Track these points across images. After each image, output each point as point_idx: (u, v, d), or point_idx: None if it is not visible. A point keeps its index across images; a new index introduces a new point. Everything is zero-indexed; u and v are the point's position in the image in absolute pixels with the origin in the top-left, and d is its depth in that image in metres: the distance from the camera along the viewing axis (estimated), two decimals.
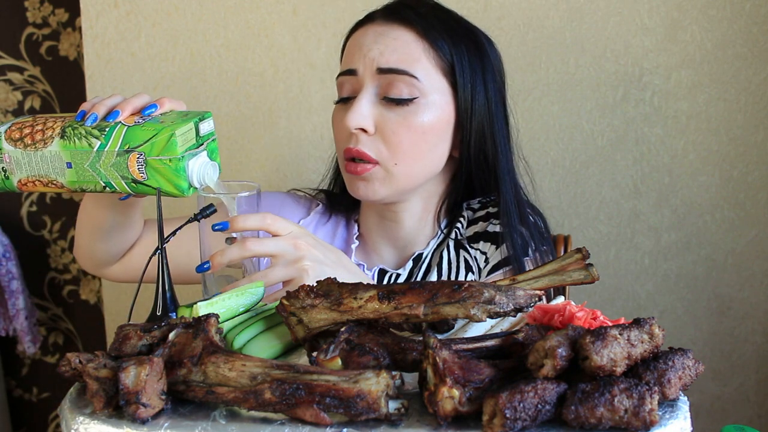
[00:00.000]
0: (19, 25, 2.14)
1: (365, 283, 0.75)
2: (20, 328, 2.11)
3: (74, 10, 2.07)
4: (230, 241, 1.00)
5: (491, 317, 0.69)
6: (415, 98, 1.12)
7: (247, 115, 1.80)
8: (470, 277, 1.18)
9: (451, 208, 1.23)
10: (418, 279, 1.20)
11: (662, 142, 1.65)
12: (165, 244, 0.91)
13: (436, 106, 1.14)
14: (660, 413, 0.62)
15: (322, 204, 1.30)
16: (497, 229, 1.18)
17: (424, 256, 1.21)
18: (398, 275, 1.21)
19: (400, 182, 1.15)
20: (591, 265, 0.86)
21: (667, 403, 0.65)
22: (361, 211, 1.28)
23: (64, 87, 2.16)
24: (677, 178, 1.66)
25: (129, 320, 0.85)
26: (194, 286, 1.87)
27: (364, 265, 1.23)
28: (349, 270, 1.01)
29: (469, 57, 1.16)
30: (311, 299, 0.73)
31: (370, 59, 1.13)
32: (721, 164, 1.64)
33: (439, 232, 1.22)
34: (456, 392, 0.62)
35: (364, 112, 1.12)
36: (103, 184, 0.96)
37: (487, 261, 1.17)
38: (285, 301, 0.75)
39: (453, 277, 1.18)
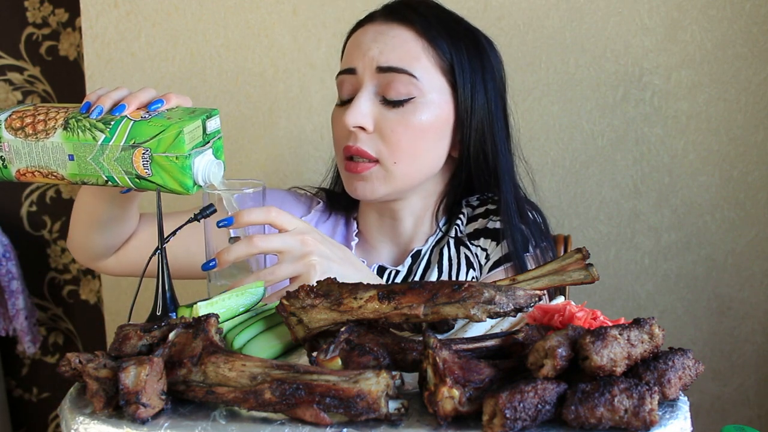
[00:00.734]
0: (19, 25, 2.14)
1: (366, 282, 0.74)
2: (20, 328, 2.11)
3: (74, 10, 2.07)
4: (233, 241, 0.99)
5: (491, 317, 0.69)
6: (413, 97, 1.12)
7: (247, 115, 1.80)
8: (471, 273, 1.18)
9: (450, 206, 1.24)
10: (417, 276, 1.20)
11: (662, 142, 1.65)
12: (165, 244, 0.90)
13: (435, 105, 1.14)
14: (660, 413, 0.62)
15: (323, 202, 1.30)
16: (497, 225, 1.18)
17: (422, 252, 1.21)
18: (397, 272, 1.21)
19: (398, 181, 1.15)
20: (591, 265, 0.86)
21: (667, 403, 0.65)
22: (360, 209, 1.28)
23: (64, 87, 2.16)
24: (677, 178, 1.66)
25: (129, 320, 0.85)
26: (194, 287, 1.88)
27: (364, 262, 1.23)
28: (355, 266, 1.01)
29: (468, 57, 1.16)
30: (311, 299, 0.73)
31: (370, 58, 1.13)
32: (721, 164, 1.64)
33: (438, 230, 1.22)
34: (456, 392, 0.62)
35: (363, 110, 1.13)
36: (105, 178, 0.95)
37: (487, 258, 1.18)
38: (285, 301, 0.75)
39: (454, 274, 1.18)
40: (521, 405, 0.60)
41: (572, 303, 0.75)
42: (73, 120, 0.94)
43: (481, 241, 1.19)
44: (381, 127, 1.13)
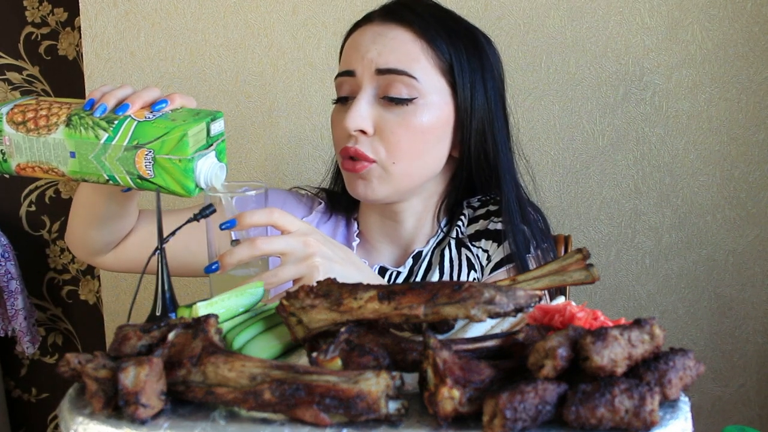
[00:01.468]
0: (18, 24, 2.14)
1: (367, 282, 0.74)
2: (19, 329, 2.10)
3: (73, 10, 2.07)
4: (234, 243, 0.99)
5: (491, 317, 0.69)
6: (413, 99, 1.12)
7: (246, 115, 1.80)
8: (472, 275, 1.18)
9: (451, 207, 1.23)
10: (419, 277, 1.20)
11: (663, 141, 1.65)
12: (164, 244, 0.90)
13: (435, 106, 1.14)
14: (661, 414, 0.62)
15: (324, 203, 1.30)
16: (498, 226, 1.18)
17: (424, 253, 1.21)
18: (398, 273, 1.21)
19: (398, 181, 1.14)
20: (591, 265, 0.85)
21: (668, 403, 0.64)
22: (360, 210, 1.28)
23: (63, 86, 2.16)
24: (678, 177, 1.66)
25: (128, 320, 0.85)
26: (194, 287, 1.88)
27: (365, 263, 1.23)
28: (357, 267, 1.00)
29: (467, 56, 1.16)
30: (311, 299, 0.73)
31: (369, 60, 1.13)
32: (722, 164, 1.64)
33: (439, 230, 1.22)
34: (456, 393, 0.61)
35: (363, 113, 1.12)
36: (107, 177, 0.94)
37: (489, 259, 1.17)
38: (285, 302, 0.75)
39: (455, 276, 1.18)
40: (521, 405, 0.59)
41: (573, 303, 0.74)
42: (76, 117, 0.94)
43: (482, 243, 1.18)
44: (381, 129, 1.12)
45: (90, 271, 2.24)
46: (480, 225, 1.20)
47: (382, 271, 1.22)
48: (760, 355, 1.69)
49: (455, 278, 1.18)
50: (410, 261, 1.21)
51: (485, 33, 1.22)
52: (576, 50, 1.64)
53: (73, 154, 0.93)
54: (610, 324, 0.69)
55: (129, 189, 0.98)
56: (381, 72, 1.12)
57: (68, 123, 0.93)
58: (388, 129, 1.12)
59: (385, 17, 1.16)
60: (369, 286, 0.72)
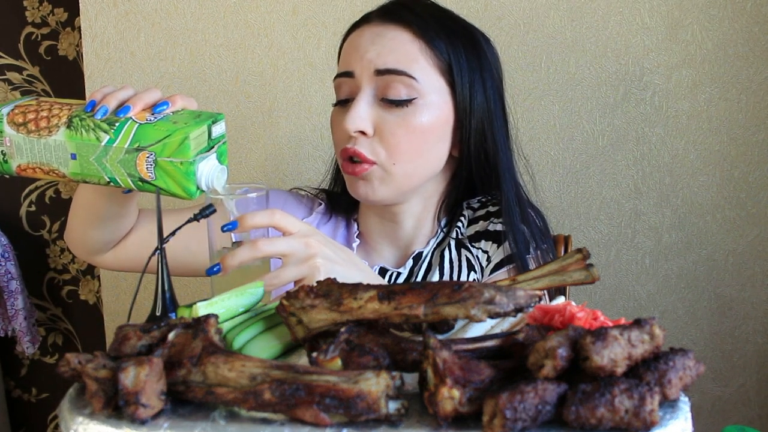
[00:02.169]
0: (18, 24, 2.14)
1: (367, 282, 0.74)
2: (19, 329, 2.10)
3: (73, 10, 2.07)
4: (236, 245, 0.99)
5: (491, 317, 0.69)
6: (413, 99, 1.12)
7: (246, 115, 1.80)
8: (473, 276, 1.17)
9: (451, 207, 1.23)
10: (419, 277, 1.20)
11: (663, 141, 1.65)
12: (164, 244, 0.90)
13: (434, 106, 1.14)
14: (661, 414, 0.62)
15: (324, 203, 1.30)
16: (498, 227, 1.18)
17: (424, 254, 1.21)
18: (398, 274, 1.21)
19: (399, 182, 1.14)
20: (591, 265, 0.85)
21: (668, 403, 0.64)
22: (360, 210, 1.28)
23: (63, 86, 2.16)
24: (678, 178, 1.66)
25: (128, 320, 0.85)
26: (194, 287, 1.87)
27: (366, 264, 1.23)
28: (358, 268, 1.00)
29: (466, 56, 1.16)
30: (311, 299, 0.73)
31: (368, 61, 1.13)
32: (722, 164, 1.64)
33: (439, 231, 1.22)
34: (456, 393, 0.61)
35: (363, 114, 1.12)
36: (108, 179, 0.94)
37: (489, 260, 1.17)
38: (285, 302, 0.75)
39: (455, 277, 1.18)
40: (521, 405, 0.59)
41: (573, 303, 0.74)
42: (77, 119, 0.93)
43: (482, 243, 1.18)
44: (381, 129, 1.12)
45: (90, 271, 2.24)
46: (480, 226, 1.20)
47: (383, 271, 1.22)
48: (760, 355, 1.69)
49: (455, 279, 1.18)
50: (410, 262, 1.21)
51: (484, 32, 1.22)
52: (576, 50, 1.64)
53: (74, 156, 0.93)
54: (610, 324, 0.69)
55: (130, 191, 0.98)
56: (380, 73, 1.12)
57: (69, 125, 0.93)
58: (387, 130, 1.12)
59: (384, 18, 1.16)
60: (369, 286, 0.72)
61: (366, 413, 0.62)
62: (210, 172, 0.93)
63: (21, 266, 2.13)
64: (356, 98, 1.13)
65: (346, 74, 1.15)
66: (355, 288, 0.72)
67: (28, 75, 2.16)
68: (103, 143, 0.92)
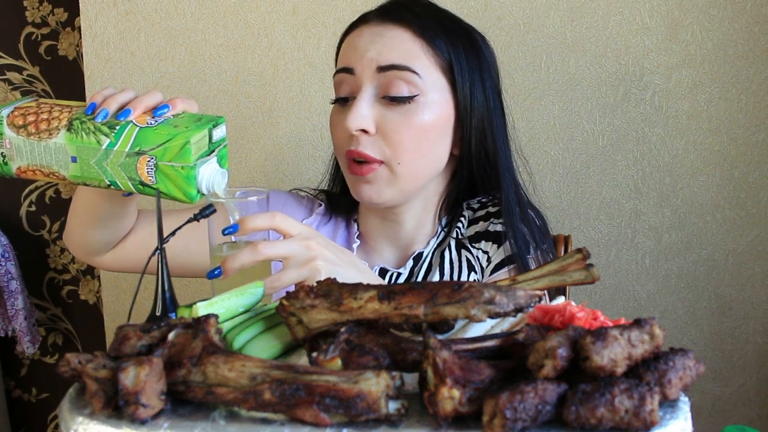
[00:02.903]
0: (18, 24, 2.14)
1: (367, 283, 0.74)
2: (19, 329, 2.10)
3: (73, 10, 2.07)
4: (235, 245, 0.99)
5: (491, 317, 0.69)
6: (414, 96, 1.12)
7: (246, 115, 1.80)
8: (473, 276, 1.17)
9: (451, 206, 1.23)
10: (419, 278, 1.20)
11: (663, 141, 1.65)
12: (164, 244, 0.90)
13: (435, 104, 1.13)
14: (660, 414, 0.62)
15: (324, 204, 1.30)
16: (498, 228, 1.18)
17: (424, 255, 1.21)
18: (399, 274, 1.21)
19: (403, 182, 1.14)
20: (591, 265, 0.85)
21: (668, 403, 0.64)
22: (360, 211, 1.28)
23: (63, 86, 2.16)
24: (678, 178, 1.66)
25: (128, 320, 0.85)
26: (194, 287, 1.87)
27: (366, 265, 1.23)
28: (360, 270, 1.00)
29: (466, 55, 1.16)
30: (311, 299, 0.73)
31: (368, 59, 1.12)
32: (721, 164, 1.64)
33: (440, 230, 1.22)
34: (456, 393, 0.61)
35: (364, 112, 1.12)
36: (108, 182, 0.94)
37: (489, 260, 1.17)
38: (285, 302, 0.75)
39: (456, 277, 1.18)
40: (521, 405, 0.59)
41: (572, 303, 0.74)
42: (78, 122, 0.93)
43: (482, 244, 1.18)
44: (383, 128, 1.12)
45: (90, 271, 2.24)
46: (480, 227, 1.20)
47: (383, 272, 1.22)
48: (760, 355, 1.69)
49: (455, 280, 1.18)
50: (410, 262, 1.21)
51: (480, 31, 1.22)
52: (576, 50, 1.64)
53: (74, 159, 0.93)
54: (610, 324, 0.69)
55: (130, 193, 0.98)
56: (382, 69, 1.12)
57: (69, 127, 0.93)
58: (390, 128, 1.12)
59: (383, 17, 1.16)
60: (369, 286, 0.72)
61: (366, 413, 0.62)
62: (211, 176, 0.93)
63: (21, 266, 2.13)
64: (357, 96, 1.13)
65: (345, 70, 1.15)
66: (355, 288, 0.72)
67: (28, 75, 2.16)
68: (103, 147, 0.92)
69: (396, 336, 0.72)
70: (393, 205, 1.18)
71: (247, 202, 0.98)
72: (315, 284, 0.75)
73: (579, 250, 0.86)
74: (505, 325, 0.81)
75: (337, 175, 1.30)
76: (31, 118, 0.95)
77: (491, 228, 1.19)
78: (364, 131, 1.12)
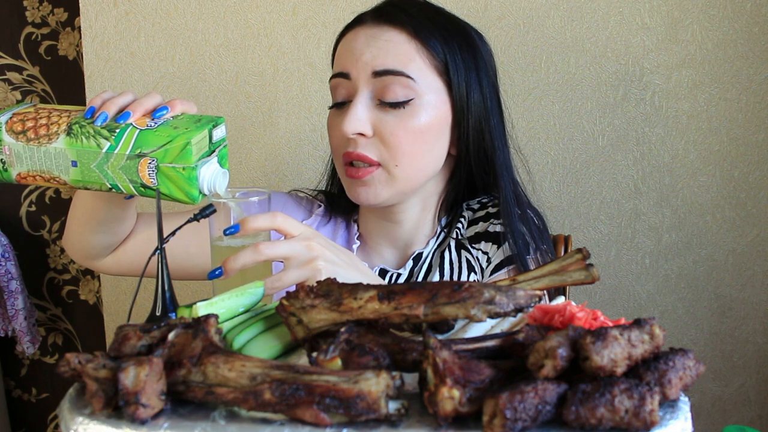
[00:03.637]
0: (18, 24, 2.14)
1: (367, 283, 0.74)
2: (19, 329, 2.10)
3: (73, 10, 2.07)
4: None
5: (491, 317, 0.69)
6: (411, 99, 1.12)
7: (246, 115, 1.80)
8: (473, 277, 1.17)
9: (451, 206, 1.23)
10: (419, 278, 1.20)
11: (663, 141, 1.65)
12: (164, 245, 0.90)
13: (432, 106, 1.13)
14: (661, 414, 0.62)
15: (323, 205, 1.30)
16: (498, 228, 1.18)
17: (424, 255, 1.21)
18: (399, 275, 1.21)
19: (401, 184, 1.14)
20: (591, 265, 0.85)
21: (668, 403, 0.64)
22: (359, 212, 1.28)
23: (63, 86, 2.16)
24: (678, 178, 1.66)
25: (128, 320, 0.85)
26: (194, 287, 1.87)
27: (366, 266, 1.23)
28: (360, 270, 1.00)
29: (462, 54, 1.15)
30: (311, 299, 0.73)
31: (364, 63, 1.12)
32: (722, 164, 1.64)
33: (439, 231, 1.22)
34: (456, 393, 0.61)
35: (361, 116, 1.12)
36: (109, 186, 0.93)
37: (489, 261, 1.17)
38: (285, 302, 0.75)
39: (455, 278, 1.18)
40: (521, 405, 0.59)
41: (572, 303, 0.74)
42: (77, 126, 0.93)
43: (482, 245, 1.18)
44: (380, 131, 1.12)
45: (90, 271, 2.24)
46: (479, 227, 1.20)
47: (383, 272, 1.22)
48: (760, 355, 1.69)
49: (455, 280, 1.18)
50: (410, 263, 1.21)
51: (477, 29, 1.22)
52: (576, 50, 1.64)
53: (74, 163, 0.93)
54: (610, 324, 0.69)
55: (131, 196, 0.98)
56: (377, 74, 1.12)
57: (69, 132, 0.93)
58: (387, 131, 1.12)
59: (378, 19, 1.15)
60: (369, 286, 0.72)
61: (366, 413, 0.62)
62: (212, 176, 0.93)
63: (21, 266, 2.13)
64: (354, 100, 1.13)
65: (341, 75, 1.15)
66: (355, 288, 0.72)
67: (28, 75, 2.16)
68: (104, 150, 0.92)
69: (396, 336, 0.72)
70: (390, 204, 1.18)
71: (248, 202, 0.98)
72: (315, 284, 0.75)
73: (579, 250, 0.86)
74: (505, 325, 0.81)
75: (333, 178, 1.30)
76: (30, 124, 0.95)
77: (491, 229, 1.19)
78: (361, 134, 1.12)
